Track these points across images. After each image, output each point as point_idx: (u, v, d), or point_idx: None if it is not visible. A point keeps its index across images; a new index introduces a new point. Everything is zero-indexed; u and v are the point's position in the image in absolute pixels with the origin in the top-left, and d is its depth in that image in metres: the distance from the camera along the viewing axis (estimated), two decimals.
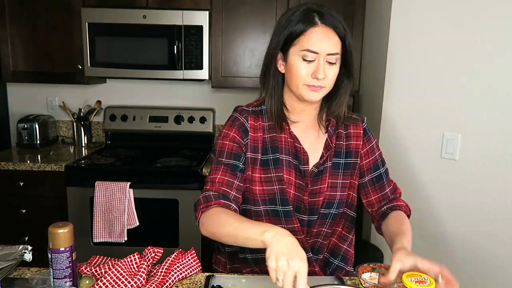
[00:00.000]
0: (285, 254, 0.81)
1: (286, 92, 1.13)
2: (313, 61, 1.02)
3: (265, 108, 1.13)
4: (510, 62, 1.57)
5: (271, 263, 0.81)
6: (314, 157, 1.14)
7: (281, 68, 1.08)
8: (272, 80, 1.09)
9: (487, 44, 1.61)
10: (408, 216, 1.18)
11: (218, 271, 1.27)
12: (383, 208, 1.19)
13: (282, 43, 1.05)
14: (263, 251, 0.86)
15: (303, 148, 1.12)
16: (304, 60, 1.02)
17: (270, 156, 1.11)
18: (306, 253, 1.16)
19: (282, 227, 1.11)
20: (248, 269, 1.21)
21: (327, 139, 1.15)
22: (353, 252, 1.26)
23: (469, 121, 1.69)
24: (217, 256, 1.30)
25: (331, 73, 1.05)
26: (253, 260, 1.20)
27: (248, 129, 1.12)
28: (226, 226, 0.96)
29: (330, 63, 1.03)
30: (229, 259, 1.25)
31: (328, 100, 1.14)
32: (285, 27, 1.04)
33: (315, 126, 1.17)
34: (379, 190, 1.21)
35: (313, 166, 1.13)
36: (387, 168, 1.23)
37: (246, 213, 1.15)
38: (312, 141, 1.15)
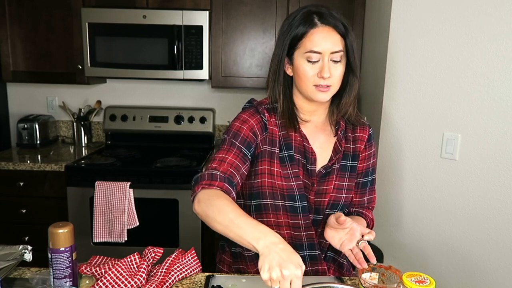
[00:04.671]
0: (278, 264, 0.79)
1: (296, 94, 1.15)
2: (317, 61, 1.04)
3: (277, 107, 1.14)
4: (510, 62, 1.57)
5: (264, 275, 0.79)
6: (322, 158, 1.15)
7: (289, 71, 1.11)
8: (282, 84, 1.11)
9: (487, 44, 1.61)
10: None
11: (223, 270, 1.28)
12: (350, 209, 1.22)
13: (287, 47, 1.07)
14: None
15: (311, 148, 1.14)
16: (309, 61, 1.04)
17: (285, 153, 1.12)
18: (315, 250, 1.16)
19: (298, 222, 1.13)
20: (255, 269, 1.20)
21: (336, 142, 1.17)
22: None
23: (469, 121, 1.69)
24: (222, 255, 1.30)
25: (337, 72, 1.06)
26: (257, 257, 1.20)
27: (267, 122, 1.13)
28: (223, 213, 0.91)
29: (335, 61, 1.05)
30: (234, 259, 1.25)
31: (336, 100, 1.16)
32: (287, 31, 1.07)
33: (326, 127, 1.18)
34: (359, 195, 1.23)
35: (321, 167, 1.15)
36: (375, 178, 1.26)
37: (263, 209, 1.14)
38: (322, 142, 1.17)
